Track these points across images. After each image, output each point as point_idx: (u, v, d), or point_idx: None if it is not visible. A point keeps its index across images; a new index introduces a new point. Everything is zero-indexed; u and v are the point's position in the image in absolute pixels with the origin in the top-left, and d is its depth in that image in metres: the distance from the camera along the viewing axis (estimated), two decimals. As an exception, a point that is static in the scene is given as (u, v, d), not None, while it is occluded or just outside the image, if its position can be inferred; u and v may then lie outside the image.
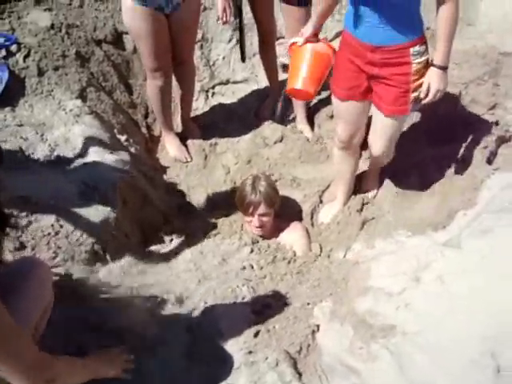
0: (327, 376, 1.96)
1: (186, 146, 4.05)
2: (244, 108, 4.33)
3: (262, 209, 3.20)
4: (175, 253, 2.89)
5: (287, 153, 3.90)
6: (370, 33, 2.56)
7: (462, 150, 3.27)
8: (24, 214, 2.51)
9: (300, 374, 1.97)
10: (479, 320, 1.98)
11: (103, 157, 3.12)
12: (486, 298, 2.05)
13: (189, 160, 3.98)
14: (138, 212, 3.16)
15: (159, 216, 3.30)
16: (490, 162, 3.19)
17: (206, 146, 4.02)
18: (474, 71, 3.75)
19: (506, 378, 1.78)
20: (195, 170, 3.92)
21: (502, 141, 3.29)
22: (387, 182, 3.35)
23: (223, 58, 4.59)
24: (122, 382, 1.90)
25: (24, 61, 3.49)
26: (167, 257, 2.85)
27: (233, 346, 2.12)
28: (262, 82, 4.41)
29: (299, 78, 2.91)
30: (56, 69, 3.59)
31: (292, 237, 3.33)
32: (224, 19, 3.45)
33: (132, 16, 3.20)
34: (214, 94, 4.58)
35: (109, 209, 2.82)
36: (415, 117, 3.64)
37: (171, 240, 3.10)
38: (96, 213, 2.75)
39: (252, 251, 2.94)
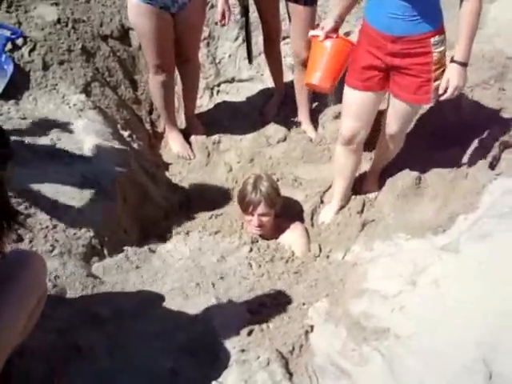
0: (318, 377, 1.95)
1: (189, 142, 4.06)
2: (248, 106, 4.32)
3: (261, 208, 3.20)
4: (174, 249, 2.89)
5: (290, 152, 3.89)
6: (391, 23, 2.57)
7: (464, 154, 3.26)
8: (23, 206, 2.53)
9: (291, 374, 1.96)
10: (473, 326, 1.96)
11: (105, 152, 3.13)
12: (482, 304, 2.03)
13: (192, 157, 3.98)
14: (137, 208, 3.17)
15: (159, 212, 3.31)
16: (492, 166, 3.17)
17: (209, 144, 4.02)
18: (480, 75, 3.73)
19: (497, 385, 1.77)
20: (197, 167, 3.92)
21: (505, 146, 3.27)
22: (388, 184, 3.33)
23: (229, 56, 4.59)
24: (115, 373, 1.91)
25: (29, 54, 3.51)
26: (166, 253, 2.84)
27: (226, 344, 2.11)
28: (268, 80, 4.41)
29: (317, 73, 3.00)
30: (61, 63, 3.61)
31: (291, 237, 3.33)
32: (222, 22, 3.46)
33: (137, 13, 3.21)
34: (218, 91, 4.58)
35: (108, 204, 2.83)
36: (419, 120, 3.61)
37: (170, 236, 3.11)
38: (95, 207, 2.76)
39: (251, 250, 2.93)
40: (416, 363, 1.89)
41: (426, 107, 3.64)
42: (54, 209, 2.62)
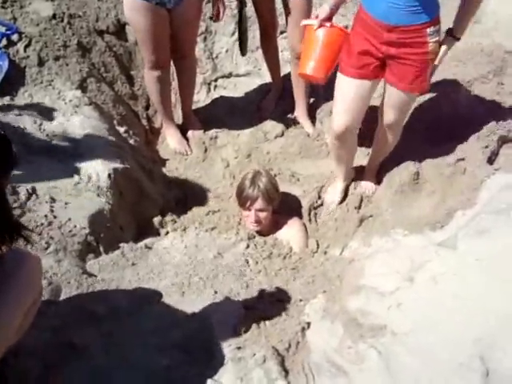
0: (314, 375, 1.94)
1: (186, 138, 4.04)
2: (246, 102, 4.30)
3: (258, 204, 3.19)
4: (170, 246, 2.88)
5: (287, 148, 3.88)
6: (389, 12, 2.56)
7: (463, 149, 3.23)
8: (17, 203, 2.51)
9: (287, 372, 1.94)
10: (471, 323, 1.95)
11: (101, 148, 3.11)
12: (480, 301, 2.02)
13: (189, 153, 3.97)
14: (134, 204, 3.15)
15: (156, 208, 3.29)
16: (491, 161, 3.15)
17: (207, 139, 4.00)
18: (479, 69, 3.72)
19: (494, 382, 1.75)
20: (194, 162, 3.91)
21: (504, 141, 3.25)
22: (386, 180, 3.32)
23: (226, 51, 4.56)
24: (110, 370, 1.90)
25: (25, 50, 3.49)
26: (162, 249, 2.83)
27: (222, 341, 2.10)
28: (265, 75, 4.38)
29: (311, 63, 2.95)
30: (57, 59, 3.58)
31: (289, 232, 3.32)
32: (214, 18, 3.50)
33: (132, 10, 3.18)
34: (216, 86, 4.56)
35: (104, 200, 2.82)
36: (417, 114, 3.59)
37: (167, 233, 3.10)
38: (90, 204, 2.74)
39: (248, 246, 2.92)
40: (413, 360, 1.89)
41: (423, 102, 3.63)
42: (50, 205, 2.60)
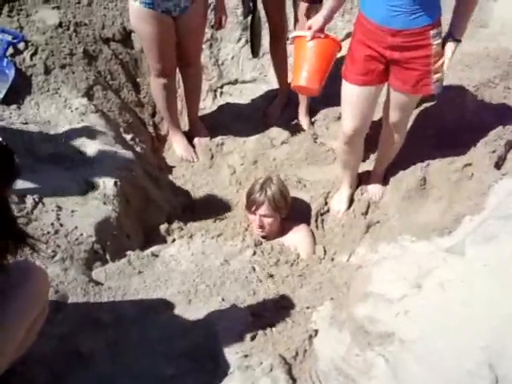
0: (321, 383, 1.92)
1: (192, 145, 4.04)
2: (252, 108, 4.29)
3: (263, 209, 3.19)
4: (177, 253, 2.87)
5: (294, 154, 3.87)
6: (391, 17, 2.56)
7: (470, 154, 3.22)
8: (24, 212, 2.52)
9: (294, 380, 1.93)
10: (479, 330, 1.93)
11: (107, 155, 3.12)
12: (488, 307, 2.00)
13: (195, 160, 3.97)
14: (140, 211, 3.15)
15: (162, 216, 3.29)
16: (498, 166, 3.13)
17: (213, 146, 4.00)
18: (485, 73, 3.71)
19: (503, 390, 1.74)
20: (201, 169, 3.91)
21: (511, 145, 3.23)
22: (393, 186, 3.31)
23: (232, 57, 4.56)
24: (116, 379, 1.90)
25: (31, 59, 3.50)
26: (169, 257, 2.83)
27: (229, 349, 2.09)
28: (271, 82, 4.38)
29: (304, 75, 2.92)
30: (63, 67, 3.60)
31: (297, 238, 3.32)
32: (216, 26, 3.53)
33: (138, 18, 3.19)
34: (222, 93, 4.55)
35: (110, 208, 2.82)
36: (423, 120, 3.59)
37: (173, 240, 3.09)
38: (97, 212, 2.75)
39: (255, 253, 2.92)
40: (421, 368, 1.87)
41: (430, 107, 3.62)
42: (56, 214, 2.61)
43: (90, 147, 3.14)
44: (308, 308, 2.41)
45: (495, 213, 2.59)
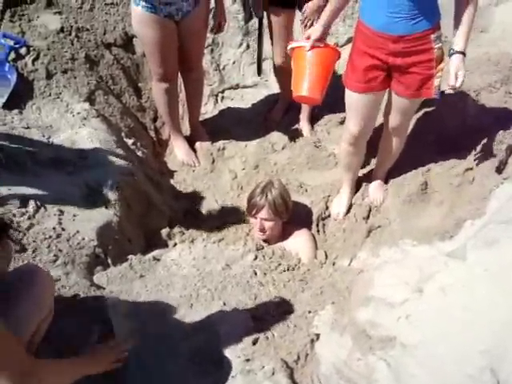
0: (323, 387, 1.93)
1: (194, 150, 4.05)
2: (253, 113, 4.31)
3: (264, 213, 3.20)
4: (178, 257, 2.87)
5: (295, 158, 3.87)
6: (392, 23, 2.56)
7: (471, 159, 3.22)
8: (26, 216, 2.52)
9: (296, 384, 1.94)
10: (480, 334, 1.93)
11: (109, 160, 3.13)
12: (489, 312, 2.00)
13: (196, 164, 3.98)
14: (142, 216, 3.16)
15: (164, 220, 3.30)
16: (499, 171, 3.13)
17: (214, 151, 4.01)
18: (486, 78, 3.71)
19: (506, 394, 1.74)
20: (202, 174, 3.92)
21: (512, 150, 3.24)
22: (394, 190, 3.31)
23: (233, 62, 4.58)
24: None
25: (33, 64, 3.51)
26: (170, 261, 2.83)
27: (231, 353, 2.09)
28: (272, 86, 4.39)
29: (305, 85, 2.92)
30: (65, 72, 3.61)
31: (298, 243, 3.32)
32: (215, 30, 3.56)
33: (141, 23, 3.21)
34: (223, 98, 4.57)
35: (112, 212, 2.83)
36: (424, 124, 3.59)
37: (175, 244, 3.10)
38: (99, 216, 2.75)
39: (256, 258, 2.92)
40: (422, 372, 1.87)
41: (431, 112, 3.62)
42: (58, 218, 2.61)
43: (92, 152, 3.14)
44: (309, 312, 2.41)
45: (496, 217, 2.58)
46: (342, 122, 3.77)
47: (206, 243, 3.02)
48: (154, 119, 4.28)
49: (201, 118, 4.21)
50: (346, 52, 3.05)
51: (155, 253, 2.84)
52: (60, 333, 1.99)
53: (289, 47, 3.03)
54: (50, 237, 2.48)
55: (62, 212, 2.66)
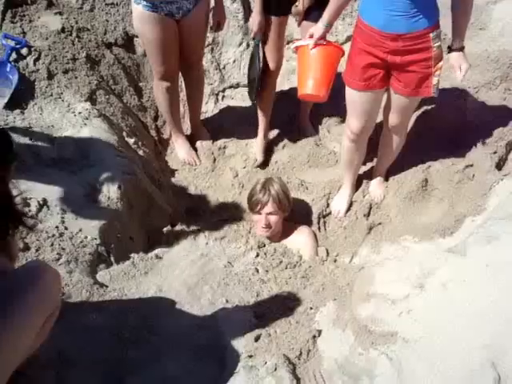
0: (325, 382, 1.94)
1: (195, 148, 4.06)
2: (254, 111, 4.31)
3: (269, 207, 3.22)
4: (180, 255, 2.89)
5: (295, 157, 3.89)
6: (391, 22, 2.58)
7: (471, 156, 3.24)
8: (29, 215, 2.53)
9: (298, 380, 1.94)
10: (481, 329, 1.95)
11: (110, 159, 3.13)
12: (490, 307, 2.02)
13: (198, 163, 3.99)
14: (144, 214, 3.17)
15: (165, 218, 3.31)
16: (499, 167, 3.15)
17: (215, 149, 4.02)
18: (486, 75, 3.73)
19: (507, 387, 1.75)
20: (203, 173, 3.93)
21: (511, 146, 3.25)
22: (395, 187, 3.33)
23: (233, 61, 4.59)
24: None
25: (34, 64, 3.52)
26: (172, 259, 2.85)
27: (233, 350, 2.11)
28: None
29: (310, 83, 2.95)
30: (66, 72, 3.61)
31: (299, 240, 3.34)
32: (215, 28, 3.56)
33: (141, 21, 3.21)
34: (223, 97, 4.58)
35: (114, 211, 2.84)
36: (424, 121, 3.61)
37: (177, 243, 3.10)
38: (101, 215, 2.76)
39: (258, 255, 2.94)
40: (424, 367, 1.88)
41: (431, 109, 3.64)
42: (61, 217, 2.63)
43: (94, 151, 3.15)
44: (311, 309, 2.42)
45: (496, 213, 2.61)
46: (343, 121, 3.78)
47: (207, 241, 3.04)
48: (155, 118, 4.29)
49: (201, 117, 4.23)
50: (346, 50, 3.06)
51: (157, 251, 2.85)
52: None
53: (292, 46, 3.05)
54: (53, 235, 2.49)
55: (64, 211, 2.67)
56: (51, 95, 3.46)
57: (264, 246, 3.13)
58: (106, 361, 2.01)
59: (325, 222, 3.56)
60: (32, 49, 3.56)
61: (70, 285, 2.30)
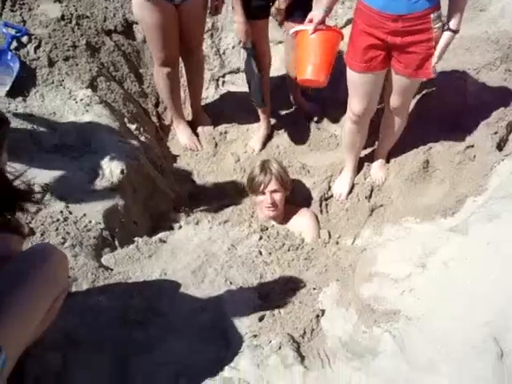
0: (330, 359, 1.96)
1: (196, 134, 4.07)
2: (254, 96, 4.32)
3: (272, 185, 3.27)
4: (184, 239, 2.91)
5: (296, 141, 3.90)
6: (391, 2, 2.57)
7: (471, 136, 3.24)
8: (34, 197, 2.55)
9: (303, 358, 1.97)
10: (483, 306, 1.96)
11: (112, 145, 3.15)
12: (491, 284, 2.03)
13: (199, 148, 4.00)
14: (147, 199, 3.19)
15: (169, 203, 3.33)
16: (500, 148, 3.16)
17: (216, 135, 4.04)
18: (486, 56, 3.72)
19: (509, 363, 1.77)
20: (205, 158, 3.95)
21: (512, 127, 3.26)
22: (396, 169, 3.34)
23: (233, 47, 4.59)
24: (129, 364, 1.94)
25: (35, 52, 3.53)
26: (176, 243, 2.86)
27: (238, 330, 2.12)
28: (272, 69, 4.38)
29: (310, 68, 2.93)
30: (66, 59, 3.63)
31: (301, 223, 3.36)
32: (213, 12, 3.53)
33: (141, 7, 3.21)
34: (224, 82, 4.59)
35: (117, 196, 2.86)
36: (425, 103, 3.61)
37: (180, 227, 3.12)
38: (105, 200, 2.78)
39: (261, 238, 2.95)
40: (427, 344, 1.90)
41: (431, 91, 3.64)
42: (65, 202, 2.64)
43: (96, 137, 3.17)
44: (314, 289, 2.44)
45: (498, 193, 2.62)
46: (343, 104, 3.77)
47: (211, 225, 3.06)
48: (156, 104, 4.30)
49: (202, 103, 4.24)
50: (346, 34, 3.06)
51: (161, 235, 2.86)
52: None
53: (291, 31, 3.04)
54: (58, 220, 2.51)
55: (68, 196, 2.69)
56: (52, 82, 3.48)
57: (267, 229, 3.15)
58: (112, 342, 2.04)
59: (327, 205, 3.58)
60: (32, 37, 3.57)
61: (76, 268, 2.32)
